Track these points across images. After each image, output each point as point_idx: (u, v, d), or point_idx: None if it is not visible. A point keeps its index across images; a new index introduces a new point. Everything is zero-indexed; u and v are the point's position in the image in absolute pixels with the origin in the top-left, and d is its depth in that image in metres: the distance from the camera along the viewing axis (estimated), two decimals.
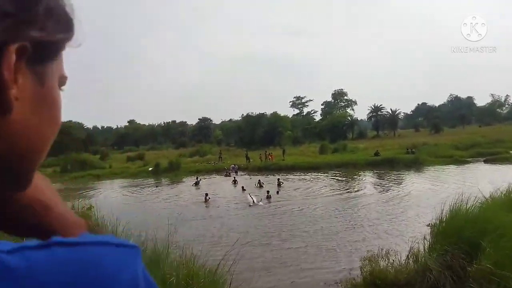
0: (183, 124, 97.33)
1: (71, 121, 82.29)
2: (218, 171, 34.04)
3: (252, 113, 75.33)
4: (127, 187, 27.69)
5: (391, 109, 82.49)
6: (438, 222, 6.95)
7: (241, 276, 7.10)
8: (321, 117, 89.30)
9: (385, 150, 38.68)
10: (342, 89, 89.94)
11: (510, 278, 5.03)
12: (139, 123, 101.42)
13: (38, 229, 0.52)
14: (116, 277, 0.34)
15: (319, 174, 28.51)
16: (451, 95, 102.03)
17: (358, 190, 20.27)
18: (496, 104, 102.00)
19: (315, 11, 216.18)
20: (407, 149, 36.00)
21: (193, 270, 5.11)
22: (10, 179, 0.42)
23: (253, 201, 17.35)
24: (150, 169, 36.54)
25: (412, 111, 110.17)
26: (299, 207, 16.17)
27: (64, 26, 0.42)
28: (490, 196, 8.08)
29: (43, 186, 0.54)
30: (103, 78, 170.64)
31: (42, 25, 0.38)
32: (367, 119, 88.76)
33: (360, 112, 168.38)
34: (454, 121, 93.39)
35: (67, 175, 36.91)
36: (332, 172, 29.18)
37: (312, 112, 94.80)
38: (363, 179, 25.52)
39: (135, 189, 26.17)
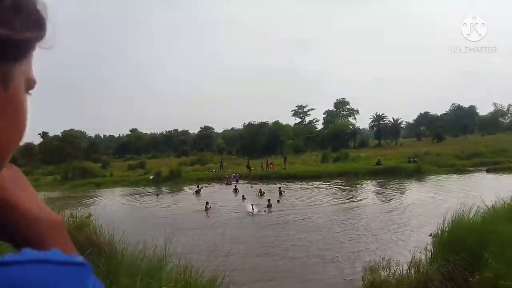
0: (185, 132, 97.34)
1: (73, 129, 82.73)
2: (219, 179, 33.94)
3: (254, 121, 75.45)
4: (127, 195, 27.62)
5: (393, 118, 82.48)
6: (440, 232, 6.87)
7: (241, 286, 7.02)
8: (323, 126, 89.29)
9: (387, 159, 38.53)
10: (344, 98, 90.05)
11: None
12: (141, 132, 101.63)
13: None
14: None
15: (321, 183, 28.38)
16: (453, 104, 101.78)
17: (359, 199, 20.14)
18: (498, 113, 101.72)
19: (319, 22, 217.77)
20: (409, 158, 35.87)
21: (191, 280, 5.04)
22: None
23: (253, 210, 17.26)
24: (151, 177, 36.48)
25: (414, 120, 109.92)
26: (300, 216, 16.07)
27: (34, 24, 0.39)
28: (492, 206, 7.99)
29: (8, 182, 0.51)
30: (106, 87, 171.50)
31: (8, 22, 0.35)
32: (369, 128, 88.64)
33: (362, 121, 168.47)
34: (457, 130, 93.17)
35: (68, 183, 36.94)
36: (334, 181, 29.06)
37: (314, 121, 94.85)
38: (365, 188, 25.39)
39: (135, 197, 26.10)
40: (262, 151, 61.95)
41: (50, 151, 75.29)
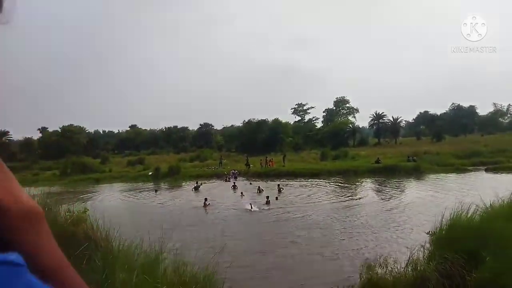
0: (184, 129, 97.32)
1: (72, 125, 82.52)
2: (218, 176, 33.94)
3: (253, 119, 75.44)
4: (126, 191, 27.61)
5: (392, 117, 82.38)
6: (438, 231, 6.86)
7: (239, 283, 7.01)
8: (322, 124, 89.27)
9: (386, 157, 38.54)
10: (344, 97, 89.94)
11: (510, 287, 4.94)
12: (140, 128, 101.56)
13: None
14: None
15: (320, 180, 28.38)
16: (453, 103, 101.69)
17: (359, 197, 20.15)
18: (498, 113, 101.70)
19: (320, 20, 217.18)
20: (408, 157, 35.88)
21: (185, 276, 5.03)
22: None
23: (251, 207, 17.25)
24: (150, 173, 36.48)
25: (414, 119, 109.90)
26: (299, 214, 16.05)
27: None
28: (491, 205, 7.98)
29: None
30: (105, 83, 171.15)
31: None
32: (369, 126, 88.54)
33: (362, 120, 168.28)
34: (456, 129, 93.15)
35: (66, 178, 36.94)
36: (333, 178, 29.06)
37: (313, 119, 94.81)
38: (364, 186, 25.40)
39: (133, 193, 26.09)
40: (261, 148, 61.89)
41: (49, 146, 75.19)
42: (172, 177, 33.97)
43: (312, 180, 28.87)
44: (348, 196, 20.63)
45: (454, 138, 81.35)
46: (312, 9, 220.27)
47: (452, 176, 27.70)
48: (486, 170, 30.01)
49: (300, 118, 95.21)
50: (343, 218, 14.85)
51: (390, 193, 21.23)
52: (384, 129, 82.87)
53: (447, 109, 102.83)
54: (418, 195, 19.69)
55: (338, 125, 77.77)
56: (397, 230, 12.55)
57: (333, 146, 62.31)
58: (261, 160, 38.73)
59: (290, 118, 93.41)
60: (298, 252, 10.58)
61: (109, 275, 4.31)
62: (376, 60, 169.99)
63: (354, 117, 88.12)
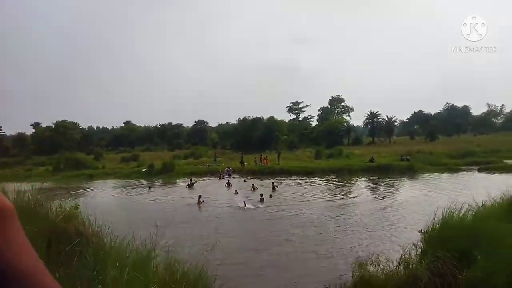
0: (179, 126, 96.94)
1: (65, 120, 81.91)
2: (212, 173, 33.85)
3: (248, 116, 75.38)
4: (119, 187, 27.48)
5: (387, 116, 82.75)
6: (430, 229, 6.89)
7: (232, 281, 6.99)
8: (317, 123, 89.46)
9: (380, 156, 38.72)
10: (339, 95, 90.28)
11: (501, 286, 4.97)
12: (134, 125, 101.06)
13: None
14: None
15: (314, 178, 28.44)
16: (447, 103, 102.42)
17: (352, 196, 20.20)
18: (491, 113, 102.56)
19: (317, 20, 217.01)
20: (402, 156, 36.05)
21: (177, 274, 5.00)
22: None
23: (245, 204, 17.24)
24: (144, 170, 36.33)
25: (408, 118, 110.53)
26: (294, 212, 16.04)
27: None
28: (483, 204, 8.04)
29: None
30: (100, 79, 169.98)
31: None
32: (363, 125, 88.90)
33: (357, 119, 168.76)
34: (450, 129, 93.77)
35: (59, 174, 36.68)
36: (327, 177, 29.13)
37: (308, 117, 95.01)
38: (358, 184, 25.47)
39: (127, 189, 25.97)
40: (256, 146, 61.89)
41: (43, 141, 74.61)
42: (166, 174, 33.86)
43: (307, 178, 28.91)
44: (343, 195, 20.68)
45: (448, 138, 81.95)
46: (310, 9, 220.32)
47: (445, 176, 27.88)
48: (479, 170, 30.23)
49: (295, 116, 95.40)
50: (337, 216, 14.88)
51: (384, 192, 21.32)
52: (378, 128, 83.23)
53: (441, 109, 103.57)
54: (411, 194, 19.79)
55: (333, 123, 77.99)
56: (390, 229, 12.60)
57: (328, 144, 62.47)
58: (255, 158, 38.71)
59: (285, 116, 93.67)
60: (292, 250, 10.57)
61: (100, 272, 4.27)
62: (372, 60, 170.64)
63: (349, 115, 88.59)
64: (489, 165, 31.50)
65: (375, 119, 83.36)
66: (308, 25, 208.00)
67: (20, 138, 79.24)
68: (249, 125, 72.25)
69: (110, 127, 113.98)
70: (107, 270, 4.36)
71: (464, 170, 30.81)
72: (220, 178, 30.72)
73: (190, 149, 63.23)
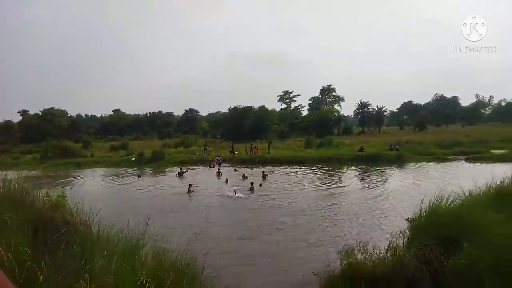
0: (169, 114, 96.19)
1: (53, 108, 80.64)
2: (202, 162, 33.76)
3: (239, 105, 75.06)
4: (108, 176, 27.26)
5: (377, 106, 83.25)
6: (417, 218, 6.96)
7: (221, 270, 6.98)
8: (308, 112, 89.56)
9: (370, 146, 39.00)
10: (330, 85, 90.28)
11: (486, 273, 5.06)
12: (124, 113, 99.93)
13: None
14: None
15: (304, 168, 28.57)
16: (436, 94, 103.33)
17: (343, 185, 20.34)
18: (480, 104, 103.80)
19: (309, 8, 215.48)
20: (391, 146, 36.37)
21: (166, 263, 4.98)
22: None
23: (234, 193, 17.26)
24: (134, 158, 36.08)
25: (397, 108, 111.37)
26: (285, 201, 16.08)
27: None
28: (469, 193, 8.14)
29: None
30: (88, 66, 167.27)
31: None
32: (354, 115, 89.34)
33: (347, 108, 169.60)
34: (439, 120, 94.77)
35: (47, 162, 36.20)
36: (318, 166, 29.29)
37: (299, 107, 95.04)
38: (348, 174, 25.68)
39: (116, 178, 25.78)
40: (247, 135, 61.78)
41: (30, 129, 73.48)
42: (156, 162, 33.68)
43: (297, 167, 29.04)
44: (333, 184, 20.82)
45: (436, 128, 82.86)
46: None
47: (433, 165, 28.26)
48: (466, 160, 30.68)
49: (286, 105, 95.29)
50: (328, 205, 14.95)
51: (374, 181, 21.52)
52: (368, 118, 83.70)
53: (430, 99, 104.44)
54: (401, 183, 20.03)
55: (324, 113, 78.14)
56: (380, 217, 12.73)
57: (318, 134, 62.70)
58: (246, 147, 38.68)
59: (276, 106, 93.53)
60: (283, 238, 10.60)
61: (88, 261, 4.22)
62: (363, 50, 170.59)
63: (340, 105, 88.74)
64: (476, 155, 31.97)
65: (365, 109, 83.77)
66: (300, 13, 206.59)
67: (7, 125, 77.86)
68: (240, 114, 71.95)
69: (98, 115, 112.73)
70: (95, 259, 4.32)
71: (452, 160, 31.25)
72: (210, 167, 30.67)
73: (180, 138, 62.86)
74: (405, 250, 6.20)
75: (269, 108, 77.10)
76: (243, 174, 23.78)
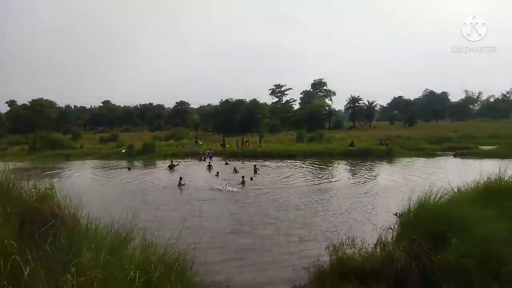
0: (159, 107, 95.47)
1: (42, 98, 79.41)
2: (193, 155, 33.63)
3: (231, 98, 74.80)
4: (97, 168, 26.98)
5: (368, 101, 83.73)
6: (406, 213, 7.01)
7: (211, 264, 6.95)
8: (299, 106, 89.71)
9: (360, 141, 39.25)
10: (321, 79, 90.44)
11: (474, 268, 5.13)
12: (114, 104, 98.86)
13: None
14: None
15: (295, 161, 28.63)
16: (426, 89, 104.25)
17: (332, 180, 20.42)
18: (469, 100, 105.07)
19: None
20: (381, 141, 36.65)
21: (154, 257, 4.95)
22: None
23: (225, 186, 17.23)
24: (124, 151, 35.76)
25: (388, 103, 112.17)
26: (276, 195, 16.07)
27: None
28: (458, 189, 8.22)
29: None
30: (77, 56, 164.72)
31: None
32: (345, 109, 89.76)
33: (338, 103, 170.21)
34: (428, 115, 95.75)
35: (35, 153, 35.70)
36: (308, 160, 29.38)
37: (291, 100, 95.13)
38: (339, 168, 25.78)
39: (105, 170, 25.54)
40: (238, 128, 61.70)
41: (18, 120, 72.35)
42: (146, 155, 33.45)
43: (288, 161, 29.10)
44: (324, 178, 20.90)
45: (426, 123, 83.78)
46: None
47: (423, 160, 28.56)
48: (455, 155, 31.06)
49: (277, 99, 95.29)
50: (319, 200, 14.96)
51: (364, 175, 21.63)
52: (359, 112, 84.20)
53: (420, 95, 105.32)
54: (391, 178, 20.19)
55: (315, 107, 78.41)
56: (371, 212, 12.79)
57: (309, 128, 62.90)
58: (237, 140, 38.61)
59: (268, 99, 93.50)
60: (274, 233, 10.58)
61: (76, 254, 4.16)
62: (355, 44, 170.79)
63: (331, 99, 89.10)
64: (465, 151, 32.42)
65: (356, 104, 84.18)
66: (292, 6, 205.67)
67: None
68: (231, 107, 71.73)
69: (88, 106, 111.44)
70: (82, 253, 4.25)
71: (440, 155, 31.61)
72: (201, 160, 30.57)
73: (171, 130, 62.50)
74: (394, 245, 6.25)
75: (261, 102, 77.12)
76: (234, 167, 23.74)
